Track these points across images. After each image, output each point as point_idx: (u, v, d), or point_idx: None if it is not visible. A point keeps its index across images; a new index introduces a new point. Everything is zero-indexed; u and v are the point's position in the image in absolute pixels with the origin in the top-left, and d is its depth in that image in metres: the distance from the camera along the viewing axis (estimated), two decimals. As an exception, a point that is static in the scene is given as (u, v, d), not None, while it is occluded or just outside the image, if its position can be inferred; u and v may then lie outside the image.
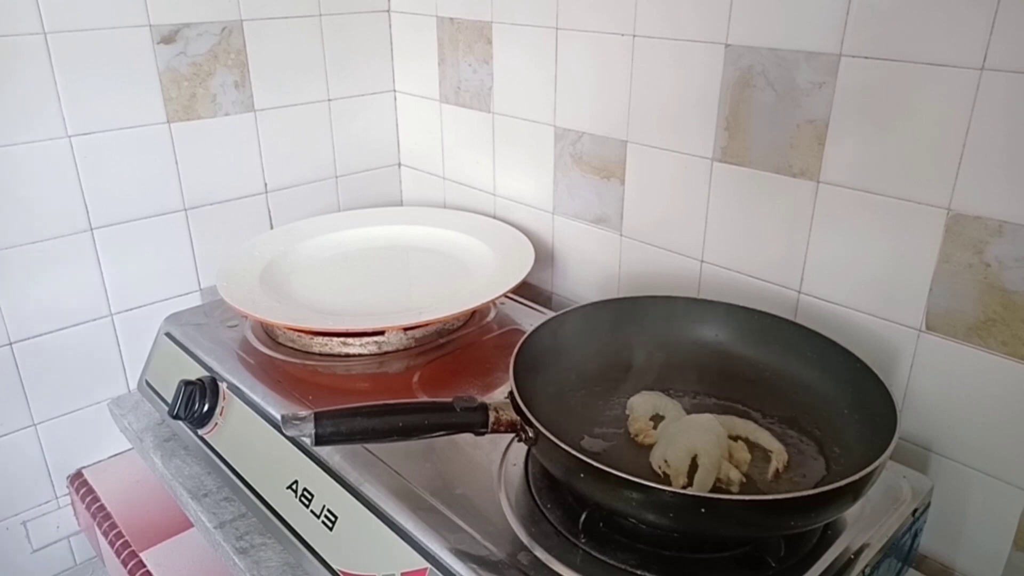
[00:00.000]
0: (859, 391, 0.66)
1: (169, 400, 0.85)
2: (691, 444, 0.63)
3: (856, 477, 0.53)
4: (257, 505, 0.76)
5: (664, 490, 0.52)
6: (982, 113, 0.64)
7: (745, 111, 0.81)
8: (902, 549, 0.67)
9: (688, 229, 0.90)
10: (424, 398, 0.81)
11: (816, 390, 0.71)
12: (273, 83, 1.12)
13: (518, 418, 0.60)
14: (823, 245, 0.78)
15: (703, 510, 0.52)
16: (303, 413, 0.57)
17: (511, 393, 0.62)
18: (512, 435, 0.61)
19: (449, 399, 0.59)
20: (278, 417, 0.64)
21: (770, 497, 0.53)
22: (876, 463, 0.55)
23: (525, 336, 0.70)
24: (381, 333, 0.88)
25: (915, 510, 0.66)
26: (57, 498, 1.07)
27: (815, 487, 0.59)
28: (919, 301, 0.72)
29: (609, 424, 0.70)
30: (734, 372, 0.76)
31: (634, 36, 0.89)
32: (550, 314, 0.77)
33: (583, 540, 0.60)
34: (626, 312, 0.79)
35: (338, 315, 0.89)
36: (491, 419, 0.60)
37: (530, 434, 0.60)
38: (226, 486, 0.82)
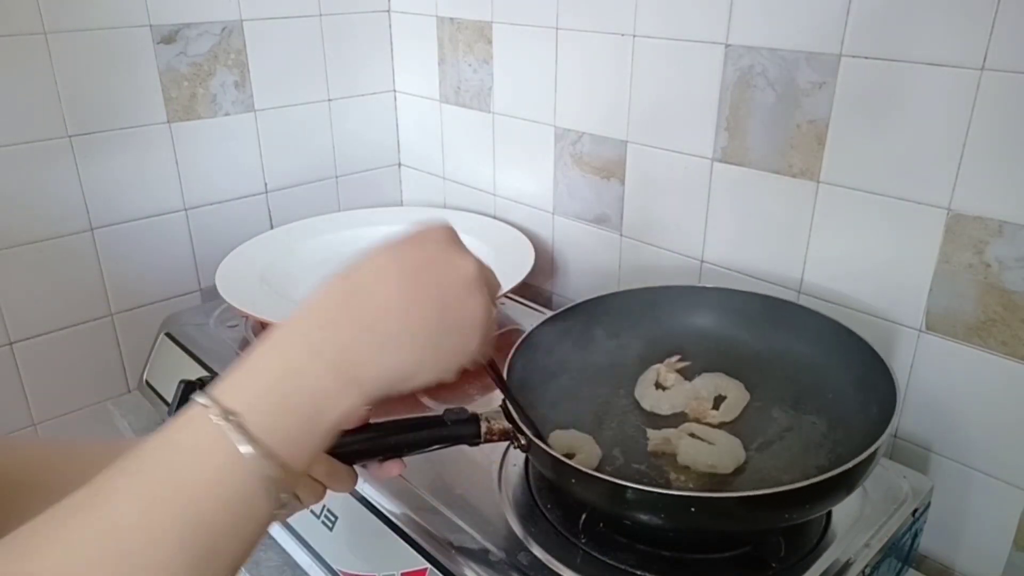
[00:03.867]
0: (864, 375, 0.66)
1: (169, 400, 0.85)
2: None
3: (847, 467, 0.53)
4: (257, 505, 0.76)
5: (652, 491, 0.52)
6: (982, 113, 0.64)
7: (745, 111, 0.81)
8: (902, 549, 0.67)
9: (688, 229, 0.90)
10: (424, 399, 0.80)
11: (821, 372, 0.71)
12: (273, 83, 1.12)
13: (510, 426, 0.60)
14: (823, 245, 0.78)
15: (693, 509, 0.52)
16: None
17: (503, 402, 0.61)
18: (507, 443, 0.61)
19: (439, 412, 0.59)
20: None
21: (760, 492, 0.52)
22: (868, 451, 0.54)
23: (522, 339, 0.70)
24: (381, 333, 0.88)
25: (915, 510, 0.66)
26: (57, 498, 1.07)
27: (809, 477, 0.58)
28: (919, 301, 0.72)
29: (611, 422, 0.70)
30: (737, 356, 0.75)
31: (634, 36, 0.89)
32: (550, 314, 0.77)
33: (583, 540, 0.60)
34: (626, 305, 0.79)
35: (338, 315, 0.89)
36: (483, 429, 0.59)
37: (523, 442, 0.59)
38: (226, 486, 0.82)
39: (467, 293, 0.42)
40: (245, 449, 0.36)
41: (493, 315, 0.44)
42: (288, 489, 0.38)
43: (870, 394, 0.64)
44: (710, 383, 0.72)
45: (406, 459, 0.56)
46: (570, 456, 0.64)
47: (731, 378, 0.72)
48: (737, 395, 0.71)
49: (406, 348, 0.41)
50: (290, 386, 0.39)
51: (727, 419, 0.69)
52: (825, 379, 0.70)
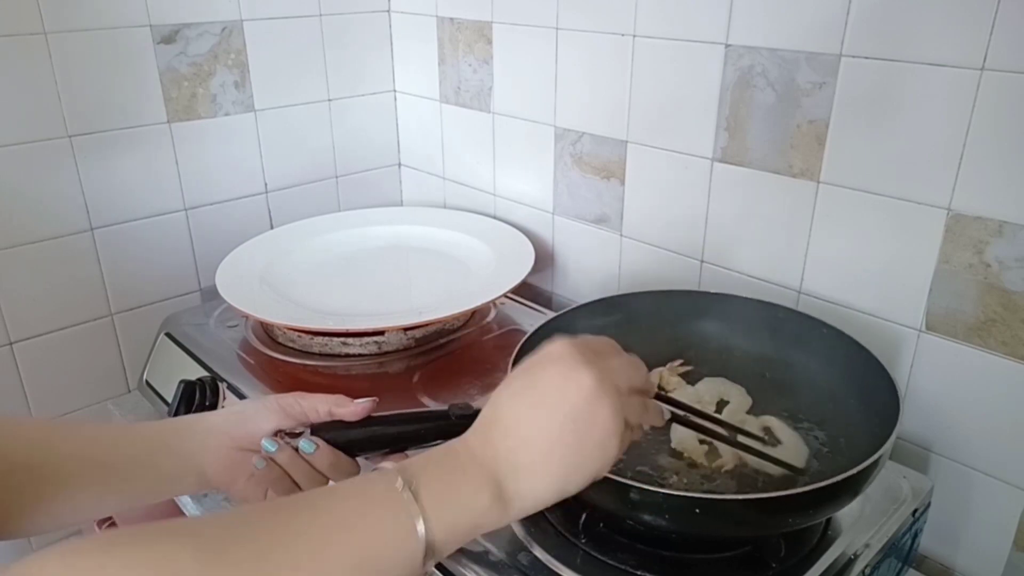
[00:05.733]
0: (865, 382, 0.66)
1: (169, 400, 0.85)
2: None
3: (853, 472, 0.53)
4: (257, 505, 0.76)
5: (658, 492, 0.52)
6: (982, 113, 0.64)
7: (745, 111, 0.81)
8: (902, 549, 0.67)
9: (688, 229, 0.90)
10: (424, 398, 0.81)
11: (822, 381, 0.71)
12: (273, 83, 1.12)
13: None
14: (823, 245, 0.78)
15: (697, 510, 0.52)
16: (298, 429, 0.58)
17: None
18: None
19: (444, 406, 0.59)
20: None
21: (766, 495, 0.53)
22: (871, 459, 0.54)
23: (524, 339, 0.70)
24: (381, 333, 0.88)
25: (915, 510, 0.66)
26: (57, 498, 1.07)
27: (812, 483, 0.59)
28: (919, 301, 0.72)
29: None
30: (740, 365, 0.75)
31: (634, 36, 0.89)
32: (550, 314, 0.77)
33: (583, 540, 0.60)
34: (628, 308, 0.79)
35: (338, 315, 0.89)
36: None
37: None
38: (226, 486, 0.82)
39: (593, 409, 0.43)
40: (420, 526, 0.40)
41: (638, 407, 0.46)
42: (430, 565, 0.42)
43: (872, 401, 0.64)
44: (713, 388, 0.72)
45: (409, 453, 0.56)
46: (723, 404, 0.68)
47: (733, 383, 0.72)
48: (739, 400, 0.71)
49: (550, 476, 0.44)
50: (456, 488, 0.43)
51: (734, 420, 0.68)
52: (827, 386, 0.70)
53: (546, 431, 0.43)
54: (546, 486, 0.44)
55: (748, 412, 0.70)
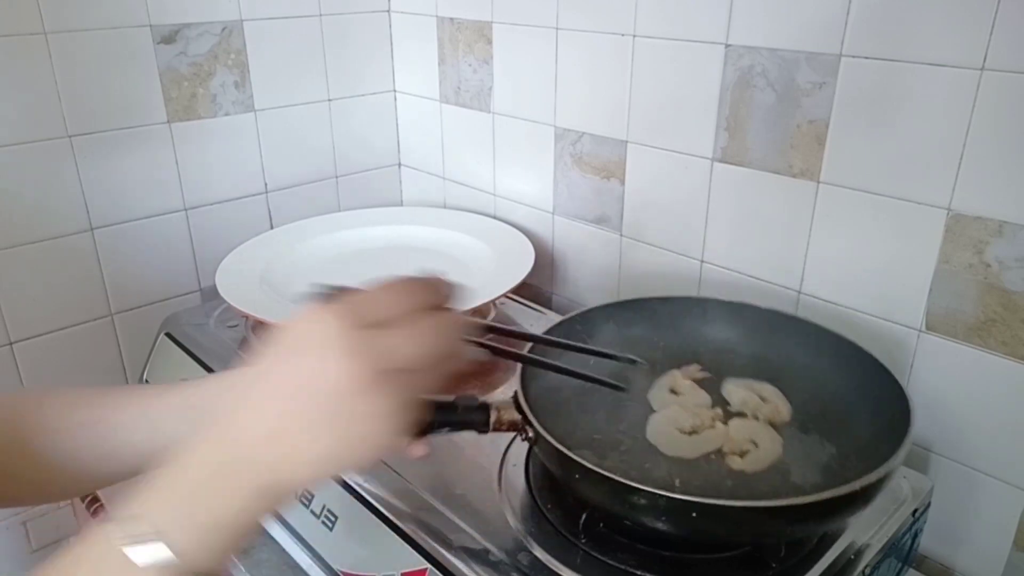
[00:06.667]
0: (875, 390, 0.65)
1: (169, 400, 0.85)
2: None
3: (856, 487, 0.52)
4: (257, 505, 0.76)
5: (659, 494, 0.52)
6: (982, 113, 0.64)
7: (745, 111, 0.81)
8: (902, 549, 0.67)
9: (688, 229, 0.90)
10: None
11: (832, 388, 0.69)
12: (273, 83, 1.12)
13: (519, 417, 0.60)
14: (823, 245, 0.78)
15: (694, 514, 0.52)
16: None
17: (516, 392, 0.61)
18: (513, 435, 0.61)
19: (451, 398, 0.59)
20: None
21: (765, 504, 0.52)
22: (883, 471, 0.53)
23: (528, 348, 0.68)
24: (381, 333, 0.88)
25: (915, 510, 0.66)
26: (57, 498, 1.07)
27: (814, 492, 0.57)
28: (919, 301, 0.72)
29: (619, 423, 0.69)
30: (747, 372, 0.74)
31: (634, 36, 0.89)
32: (550, 315, 0.77)
33: (583, 540, 0.60)
34: (640, 313, 0.78)
35: (338, 315, 0.89)
36: (492, 418, 0.60)
37: (531, 434, 0.60)
38: (226, 486, 0.82)
39: (351, 405, 0.38)
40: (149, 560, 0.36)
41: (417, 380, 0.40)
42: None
43: (881, 410, 0.63)
44: (744, 429, 0.67)
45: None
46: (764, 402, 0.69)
47: (768, 426, 0.68)
48: (769, 448, 0.66)
49: (311, 465, 0.39)
50: (200, 505, 0.38)
51: (749, 469, 0.64)
52: (836, 395, 0.69)
53: (299, 425, 0.38)
54: (308, 473, 0.40)
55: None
